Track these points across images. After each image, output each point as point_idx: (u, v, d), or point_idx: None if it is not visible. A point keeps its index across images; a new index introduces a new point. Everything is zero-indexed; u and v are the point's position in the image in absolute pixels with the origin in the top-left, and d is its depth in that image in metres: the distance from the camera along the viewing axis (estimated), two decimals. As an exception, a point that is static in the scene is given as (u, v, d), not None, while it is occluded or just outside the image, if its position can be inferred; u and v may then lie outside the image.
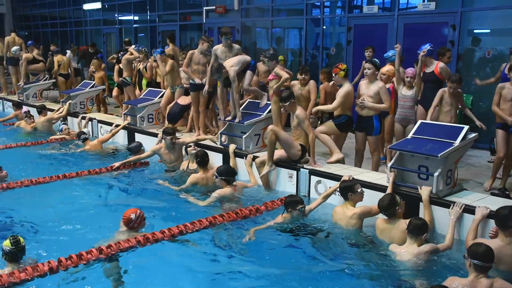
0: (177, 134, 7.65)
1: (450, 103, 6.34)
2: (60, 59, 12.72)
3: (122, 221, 4.69)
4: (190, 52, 7.93)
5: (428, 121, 6.07)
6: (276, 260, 4.58)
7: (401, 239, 4.47)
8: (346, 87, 6.34)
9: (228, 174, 5.94)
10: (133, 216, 4.63)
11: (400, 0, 9.47)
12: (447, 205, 4.86)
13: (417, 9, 9.36)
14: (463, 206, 4.72)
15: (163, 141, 7.31)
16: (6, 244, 3.99)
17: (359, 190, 5.11)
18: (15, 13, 24.18)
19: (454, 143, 5.11)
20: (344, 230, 4.98)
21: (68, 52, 14.25)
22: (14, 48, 12.85)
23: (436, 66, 6.81)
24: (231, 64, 6.88)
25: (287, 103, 6.02)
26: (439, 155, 4.92)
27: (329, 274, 4.31)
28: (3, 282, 3.81)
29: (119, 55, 10.88)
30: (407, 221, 4.46)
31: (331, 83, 7.66)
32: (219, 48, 7.35)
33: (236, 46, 7.43)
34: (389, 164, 5.42)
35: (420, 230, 4.28)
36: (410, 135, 5.61)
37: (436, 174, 4.96)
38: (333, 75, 6.53)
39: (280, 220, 5.15)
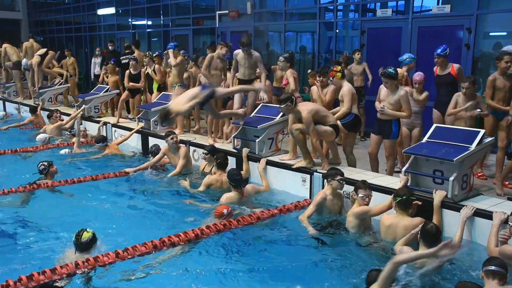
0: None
1: (465, 107, 6.30)
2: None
3: (214, 215, 5.31)
4: (209, 55, 7.97)
5: (442, 125, 6.02)
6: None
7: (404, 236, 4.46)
8: (346, 85, 6.41)
9: (232, 180, 5.91)
10: (225, 211, 5.29)
11: (414, 3, 9.39)
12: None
13: (431, 12, 9.28)
14: (474, 209, 4.69)
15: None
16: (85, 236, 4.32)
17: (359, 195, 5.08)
18: (31, 19, 24.51)
19: (470, 147, 5.05)
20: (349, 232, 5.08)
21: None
22: (24, 61, 13.03)
23: (453, 67, 6.76)
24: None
25: (283, 106, 6.07)
26: (454, 159, 4.87)
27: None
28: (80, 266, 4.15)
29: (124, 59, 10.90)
30: (414, 219, 4.49)
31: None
32: (239, 54, 7.41)
33: (256, 54, 7.43)
34: (404, 168, 5.37)
35: (435, 239, 4.05)
36: (424, 139, 5.56)
37: (451, 178, 4.91)
38: (330, 79, 6.54)
39: (319, 198, 5.31)
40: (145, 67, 10.04)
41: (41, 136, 9.20)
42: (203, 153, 7.13)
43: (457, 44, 8.57)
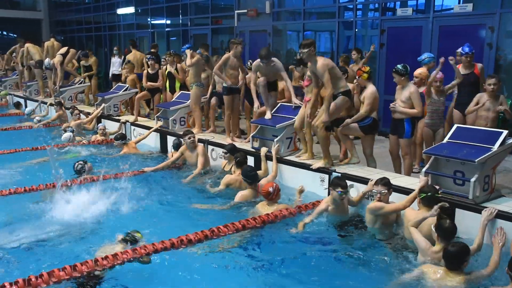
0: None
1: (487, 107, 6.20)
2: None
3: (261, 194, 5.55)
4: (225, 56, 7.94)
5: (464, 125, 5.94)
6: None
7: (428, 232, 4.41)
8: (371, 88, 6.31)
9: (247, 177, 5.97)
10: (270, 189, 5.42)
11: (436, 2, 9.26)
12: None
13: (453, 11, 9.15)
14: (495, 211, 4.61)
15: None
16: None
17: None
18: (52, 19, 24.88)
19: (492, 148, 4.98)
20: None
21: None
22: (47, 60, 13.28)
23: (476, 66, 6.67)
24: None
25: (306, 50, 5.93)
26: (476, 160, 4.80)
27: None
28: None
29: (147, 58, 10.95)
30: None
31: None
32: (259, 65, 7.35)
33: (276, 64, 7.33)
34: (424, 169, 5.31)
35: (459, 260, 3.85)
36: (445, 140, 5.49)
37: (472, 179, 4.84)
38: (357, 77, 6.50)
39: (323, 205, 5.30)
40: (165, 66, 10.11)
41: (66, 135, 9.36)
42: (223, 152, 7.15)
43: (479, 44, 8.43)
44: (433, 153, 5.30)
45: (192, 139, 7.36)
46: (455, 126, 5.68)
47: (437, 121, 6.82)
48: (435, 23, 9.19)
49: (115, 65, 13.25)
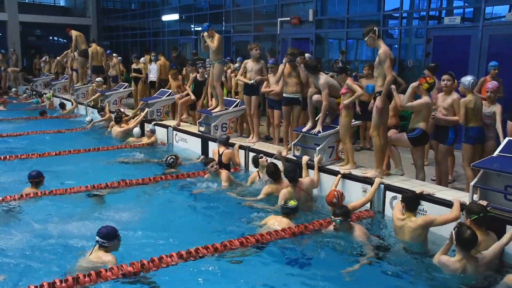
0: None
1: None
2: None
3: (326, 202, 5.70)
4: (245, 62, 8.52)
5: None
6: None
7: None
8: (424, 99, 6.10)
9: (289, 172, 6.13)
10: (334, 200, 5.53)
11: (486, 10, 8.98)
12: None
13: (504, 19, 8.86)
14: None
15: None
16: None
17: None
18: (100, 25, 25.71)
19: (546, 163, 4.77)
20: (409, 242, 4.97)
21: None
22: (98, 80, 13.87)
23: None
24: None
25: (367, 38, 6.08)
26: (529, 176, 4.61)
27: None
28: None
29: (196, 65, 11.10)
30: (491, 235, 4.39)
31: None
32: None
33: (322, 81, 7.00)
34: (472, 182, 5.14)
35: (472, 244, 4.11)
36: (496, 153, 5.30)
37: (526, 195, 4.65)
38: (418, 84, 6.32)
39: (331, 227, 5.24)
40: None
41: (136, 130, 10.21)
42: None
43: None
44: (483, 166, 5.12)
45: (214, 167, 7.20)
46: (506, 139, 5.47)
47: (488, 134, 6.52)
48: (485, 31, 8.92)
49: (152, 72, 13.35)
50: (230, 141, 8.44)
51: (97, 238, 4.32)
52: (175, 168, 7.84)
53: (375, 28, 6.03)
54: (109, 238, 4.32)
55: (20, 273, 4.38)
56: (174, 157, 7.90)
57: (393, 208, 5.50)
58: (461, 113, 5.98)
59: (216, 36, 8.67)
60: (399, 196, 5.70)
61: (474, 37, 9.05)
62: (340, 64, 7.10)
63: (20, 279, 4.25)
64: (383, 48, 5.89)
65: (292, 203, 5.40)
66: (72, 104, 14.56)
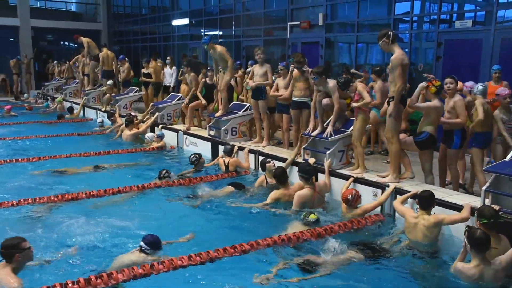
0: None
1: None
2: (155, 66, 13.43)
3: (341, 198, 5.84)
4: (253, 66, 8.66)
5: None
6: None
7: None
8: (433, 103, 6.08)
9: (303, 172, 6.16)
10: (349, 197, 5.71)
11: (498, 13, 8.91)
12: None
13: (517, 23, 8.80)
14: None
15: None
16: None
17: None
18: (110, 30, 25.91)
19: (560, 167, 4.72)
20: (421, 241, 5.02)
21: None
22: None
23: None
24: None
25: (380, 42, 6.03)
26: (543, 180, 4.56)
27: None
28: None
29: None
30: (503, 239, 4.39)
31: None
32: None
33: (330, 84, 7.02)
34: (484, 187, 5.09)
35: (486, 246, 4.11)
36: (508, 157, 5.27)
37: (538, 200, 4.60)
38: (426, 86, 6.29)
39: None
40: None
41: (149, 135, 10.32)
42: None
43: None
44: (495, 170, 5.08)
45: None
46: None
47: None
48: (497, 35, 8.85)
49: (167, 76, 13.39)
50: (240, 144, 8.53)
51: (142, 243, 4.53)
52: (198, 166, 7.99)
53: (389, 32, 5.97)
54: (154, 247, 4.54)
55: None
56: (197, 155, 8.05)
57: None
58: (464, 114, 5.99)
59: (218, 47, 8.84)
60: (410, 200, 5.69)
61: (486, 40, 8.99)
62: (343, 80, 6.97)
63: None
64: (396, 54, 5.86)
65: (312, 216, 5.38)
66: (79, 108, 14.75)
